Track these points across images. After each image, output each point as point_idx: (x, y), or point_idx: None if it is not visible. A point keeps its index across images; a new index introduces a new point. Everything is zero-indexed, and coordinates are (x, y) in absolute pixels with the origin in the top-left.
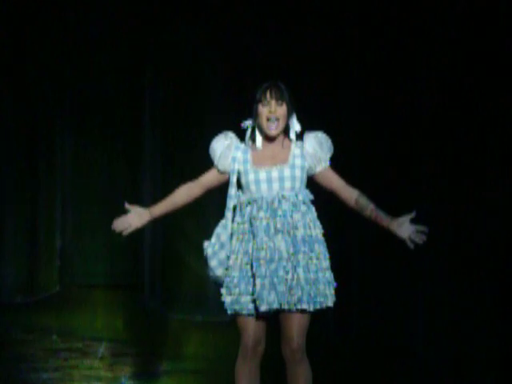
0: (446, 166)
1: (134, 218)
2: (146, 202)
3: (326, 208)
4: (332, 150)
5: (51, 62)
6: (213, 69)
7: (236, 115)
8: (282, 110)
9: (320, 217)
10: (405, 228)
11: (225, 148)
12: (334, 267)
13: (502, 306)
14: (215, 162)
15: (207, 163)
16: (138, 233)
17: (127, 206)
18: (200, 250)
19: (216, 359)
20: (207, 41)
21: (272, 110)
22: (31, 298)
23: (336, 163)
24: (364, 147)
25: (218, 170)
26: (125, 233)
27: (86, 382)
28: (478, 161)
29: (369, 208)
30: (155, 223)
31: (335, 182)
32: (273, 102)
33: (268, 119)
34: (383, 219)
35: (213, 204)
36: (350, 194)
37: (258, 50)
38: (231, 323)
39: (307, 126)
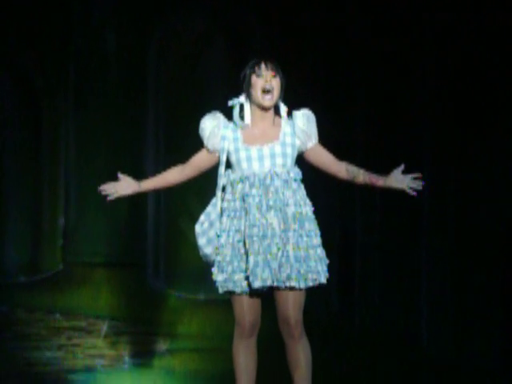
0: (451, 150)
1: (122, 185)
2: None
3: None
4: (315, 124)
5: (54, 48)
6: (213, 55)
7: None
8: (276, 81)
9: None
10: (400, 179)
11: (213, 127)
12: (338, 251)
13: (503, 297)
14: (205, 142)
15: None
16: (141, 211)
17: (120, 175)
18: None
19: (218, 337)
20: (209, 28)
21: (268, 80)
22: (34, 277)
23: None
24: (366, 128)
25: (208, 150)
26: (110, 197)
27: (90, 361)
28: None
29: (361, 174)
30: (159, 202)
31: (325, 157)
32: (268, 73)
33: (263, 90)
34: (378, 179)
35: (216, 183)
36: (339, 166)
37: (259, 35)
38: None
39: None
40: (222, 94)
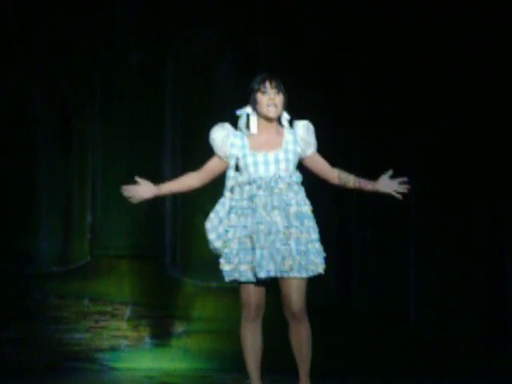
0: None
1: (143, 189)
2: (166, 178)
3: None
4: (313, 134)
5: (83, 62)
6: (224, 67)
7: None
8: (279, 97)
9: (322, 195)
10: (387, 184)
11: (223, 137)
12: (336, 244)
13: (483, 279)
14: (217, 151)
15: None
16: (160, 210)
17: (138, 179)
18: None
19: (228, 320)
20: (220, 42)
21: (271, 98)
22: (65, 267)
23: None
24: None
25: (220, 157)
26: (132, 200)
27: (114, 341)
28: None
29: (351, 179)
30: (176, 202)
31: (321, 164)
32: (272, 91)
33: (268, 105)
34: (367, 184)
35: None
36: (333, 173)
37: (265, 52)
38: None
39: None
40: (232, 102)
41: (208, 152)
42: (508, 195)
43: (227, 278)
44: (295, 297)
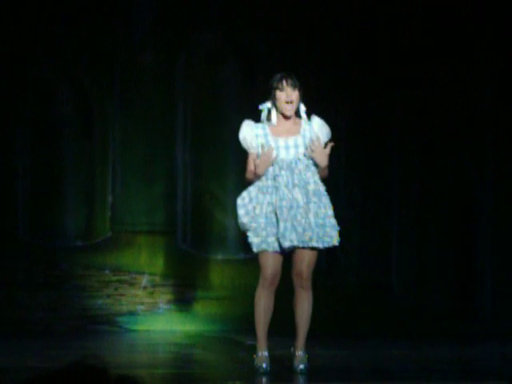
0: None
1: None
2: (178, 168)
3: None
4: (329, 136)
5: (104, 61)
6: (228, 70)
7: (250, 112)
8: (295, 94)
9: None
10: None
11: (250, 132)
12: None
13: (456, 255)
14: (252, 150)
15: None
16: (172, 191)
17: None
18: (220, 204)
19: (234, 288)
20: (224, 47)
21: (289, 95)
22: (88, 241)
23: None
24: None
25: (253, 152)
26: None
27: (132, 306)
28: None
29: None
30: (187, 185)
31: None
32: (289, 89)
33: (286, 102)
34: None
35: (232, 171)
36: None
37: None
38: (246, 260)
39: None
40: (236, 102)
41: (213, 137)
42: (479, 177)
43: (256, 249)
44: (306, 267)
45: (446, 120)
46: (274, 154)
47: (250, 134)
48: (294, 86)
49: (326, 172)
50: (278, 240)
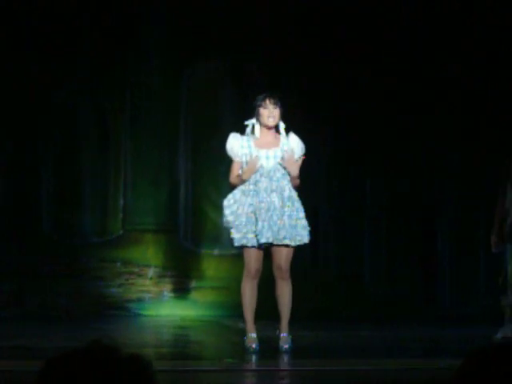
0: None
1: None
2: (180, 175)
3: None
4: (303, 151)
5: (118, 81)
6: (226, 90)
7: (243, 128)
8: (277, 111)
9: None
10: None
11: (236, 143)
12: (309, 222)
13: (422, 249)
14: (237, 158)
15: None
16: (176, 195)
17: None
18: (217, 207)
19: (227, 279)
20: (221, 70)
21: (271, 111)
22: (103, 238)
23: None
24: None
25: (238, 161)
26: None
27: (140, 294)
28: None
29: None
30: (187, 190)
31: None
32: (271, 107)
33: (268, 117)
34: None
35: (226, 178)
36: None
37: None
38: (238, 255)
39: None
40: (231, 120)
41: (211, 149)
42: (439, 177)
43: (236, 243)
44: (284, 260)
45: (407, 137)
46: (259, 163)
47: (236, 144)
48: (275, 105)
49: (297, 182)
50: (256, 237)
